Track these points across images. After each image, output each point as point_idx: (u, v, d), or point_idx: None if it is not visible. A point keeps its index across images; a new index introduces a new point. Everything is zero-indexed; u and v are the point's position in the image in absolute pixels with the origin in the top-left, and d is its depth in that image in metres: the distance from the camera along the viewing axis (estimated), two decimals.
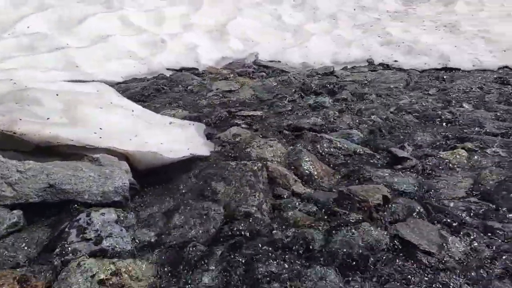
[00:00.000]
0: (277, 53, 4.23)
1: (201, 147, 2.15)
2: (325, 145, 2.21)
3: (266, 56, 4.17)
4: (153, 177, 1.88)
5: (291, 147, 2.19)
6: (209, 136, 2.35)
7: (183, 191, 1.79)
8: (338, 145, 2.21)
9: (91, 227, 1.38)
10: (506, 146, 2.20)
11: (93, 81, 2.90)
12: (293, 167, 2.02)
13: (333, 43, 4.51)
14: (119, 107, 2.33)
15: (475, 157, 2.09)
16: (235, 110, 2.77)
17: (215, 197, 1.73)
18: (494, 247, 1.46)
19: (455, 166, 2.03)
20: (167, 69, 3.65)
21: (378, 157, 2.15)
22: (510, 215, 1.64)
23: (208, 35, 4.41)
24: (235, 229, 1.56)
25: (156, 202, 1.73)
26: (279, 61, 4.11)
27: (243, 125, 2.54)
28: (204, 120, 2.57)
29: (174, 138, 2.18)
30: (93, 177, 1.59)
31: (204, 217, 1.60)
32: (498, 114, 2.72)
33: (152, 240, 1.48)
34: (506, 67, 3.80)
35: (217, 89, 3.24)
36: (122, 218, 1.50)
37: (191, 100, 3.00)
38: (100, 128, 1.97)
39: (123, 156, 1.85)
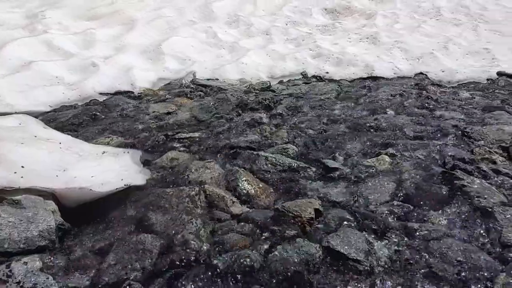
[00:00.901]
0: (215, 71, 4.26)
1: (136, 175, 2.10)
2: (261, 162, 2.26)
3: (203, 74, 4.18)
4: (85, 214, 1.79)
5: (229, 167, 2.21)
6: (145, 163, 2.29)
7: (118, 225, 1.73)
8: (274, 162, 2.27)
9: (12, 279, 1.28)
10: (423, 149, 2.41)
11: (15, 113, 2.70)
12: (231, 188, 2.04)
13: (268, 57, 4.64)
14: (44, 140, 2.20)
15: (397, 161, 2.26)
16: (172, 133, 2.74)
17: (151, 228, 1.69)
18: (414, 247, 1.58)
19: (380, 172, 2.18)
20: (100, 93, 3.51)
21: (312, 169, 2.24)
22: (426, 214, 1.79)
23: (143, 56, 4.32)
24: (173, 260, 1.53)
25: (89, 240, 1.64)
26: (217, 79, 4.13)
27: (181, 148, 2.52)
28: (140, 146, 2.51)
29: (107, 168, 2.10)
30: (13, 223, 1.48)
31: (140, 251, 1.55)
32: (416, 118, 2.97)
33: (84, 285, 1.41)
34: (421, 73, 4.18)
35: (154, 112, 3.17)
36: (48, 265, 1.41)
37: (127, 125, 2.91)
38: (22, 166, 1.84)
39: (50, 195, 1.75)
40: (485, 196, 1.84)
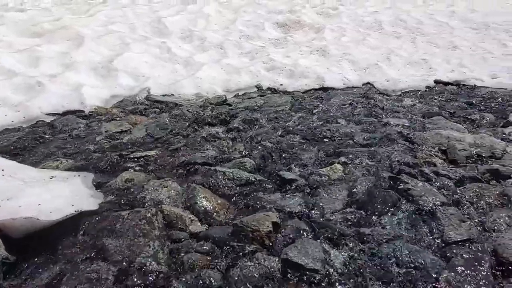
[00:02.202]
0: (170, 86, 4.20)
1: (88, 200, 2.00)
2: (219, 178, 2.25)
3: (158, 90, 4.11)
4: (33, 245, 1.68)
5: (186, 185, 2.18)
6: (98, 186, 2.20)
7: (69, 255, 1.63)
8: (232, 176, 2.27)
9: None
10: (371, 156, 2.53)
11: None
12: (189, 206, 2.01)
13: (223, 71, 4.67)
14: None
15: (349, 169, 2.36)
16: (127, 152, 2.65)
17: (106, 254, 1.62)
18: (367, 252, 1.65)
19: (333, 180, 2.26)
20: (48, 114, 3.33)
21: (269, 182, 2.27)
22: (377, 219, 1.88)
23: (94, 73, 4.17)
24: (130, 286, 1.47)
25: (37, 274, 1.54)
26: (172, 94, 4.08)
27: (136, 168, 2.44)
28: (92, 169, 2.41)
29: (56, 194, 1.99)
30: None
31: (95, 280, 1.48)
32: (365, 126, 3.12)
33: None
34: (368, 83, 4.41)
35: (106, 131, 3.06)
36: None
37: (77, 147, 2.78)
38: None
39: None
40: (428, 198, 1.97)
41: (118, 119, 3.35)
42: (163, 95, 4.05)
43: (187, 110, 3.53)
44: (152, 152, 2.67)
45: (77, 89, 3.76)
